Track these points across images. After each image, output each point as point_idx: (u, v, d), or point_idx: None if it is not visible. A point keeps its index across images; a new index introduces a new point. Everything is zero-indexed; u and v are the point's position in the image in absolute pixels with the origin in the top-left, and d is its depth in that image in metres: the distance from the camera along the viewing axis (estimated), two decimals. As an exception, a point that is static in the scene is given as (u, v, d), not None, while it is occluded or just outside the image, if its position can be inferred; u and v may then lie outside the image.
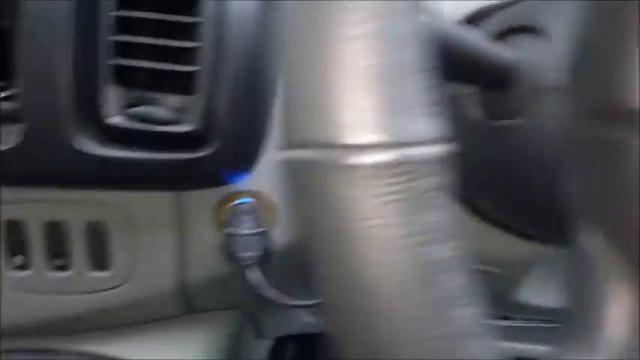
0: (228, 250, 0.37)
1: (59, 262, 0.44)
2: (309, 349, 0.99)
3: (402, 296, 0.18)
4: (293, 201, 0.22)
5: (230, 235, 0.38)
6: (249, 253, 0.36)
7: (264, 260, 0.36)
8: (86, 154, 0.38)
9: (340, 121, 0.18)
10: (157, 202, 0.44)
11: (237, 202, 0.45)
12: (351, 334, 0.20)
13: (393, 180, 0.18)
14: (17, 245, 0.44)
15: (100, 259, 0.45)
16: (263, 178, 0.44)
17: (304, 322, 0.70)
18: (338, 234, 0.19)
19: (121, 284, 0.46)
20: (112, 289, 0.46)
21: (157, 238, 0.45)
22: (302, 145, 0.20)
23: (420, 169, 0.18)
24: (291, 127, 0.20)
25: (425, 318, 0.18)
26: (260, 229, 0.39)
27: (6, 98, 0.41)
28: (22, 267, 0.44)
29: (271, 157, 0.44)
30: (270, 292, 0.35)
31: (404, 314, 0.18)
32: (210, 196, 0.45)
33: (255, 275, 0.35)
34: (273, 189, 0.45)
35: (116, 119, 0.39)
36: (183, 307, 0.50)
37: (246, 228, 0.39)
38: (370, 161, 0.18)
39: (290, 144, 0.21)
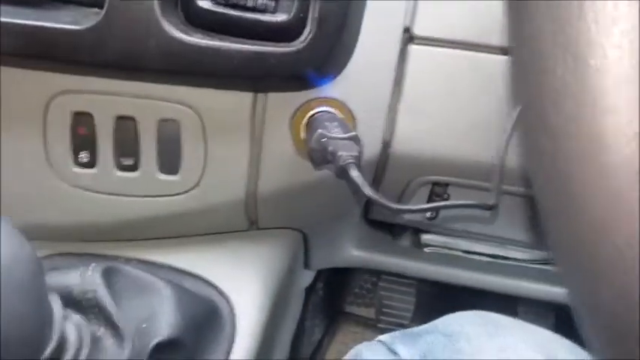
0: (323, 151, 0.35)
1: (127, 161, 0.42)
2: (336, 284, 0.98)
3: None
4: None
5: (324, 137, 0.36)
6: (348, 153, 0.33)
7: (360, 162, 0.34)
8: (169, 39, 0.35)
9: None
10: (233, 106, 0.41)
11: (318, 109, 0.42)
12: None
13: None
14: (84, 140, 0.41)
15: (169, 161, 0.42)
16: (342, 88, 0.41)
17: (352, 255, 0.68)
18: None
19: (189, 190, 0.44)
20: (179, 194, 0.44)
21: (230, 145, 0.42)
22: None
23: None
24: None
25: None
26: (352, 133, 0.36)
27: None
28: (88, 164, 0.42)
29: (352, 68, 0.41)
30: (371, 192, 0.32)
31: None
32: (288, 103, 0.42)
33: (355, 174, 0.32)
34: (352, 99, 0.42)
35: (205, 3, 0.36)
36: (247, 221, 0.48)
37: (335, 133, 0.37)
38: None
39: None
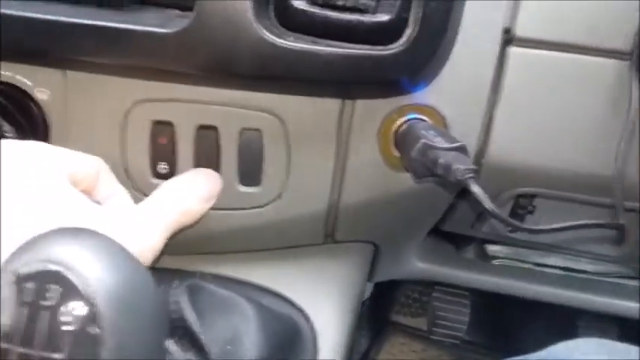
0: (431, 164, 0.32)
1: (207, 172, 0.40)
2: (382, 294, 0.95)
3: None
4: None
5: (430, 148, 0.33)
6: (464, 166, 0.30)
7: (478, 174, 0.31)
8: (263, 42, 0.33)
9: None
10: (320, 114, 0.39)
11: (408, 117, 0.39)
12: None
13: None
14: (162, 150, 0.39)
15: (250, 173, 0.40)
16: (436, 94, 0.39)
17: (416, 267, 0.65)
18: None
19: (270, 203, 0.41)
20: (259, 207, 0.41)
21: (314, 155, 0.40)
22: None
23: None
24: None
25: None
26: (459, 143, 0.33)
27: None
28: (166, 176, 0.40)
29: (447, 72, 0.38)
30: (494, 208, 0.29)
31: None
32: (377, 110, 0.39)
33: (477, 189, 0.30)
34: (445, 106, 0.39)
35: (300, 3, 0.33)
36: (324, 234, 0.46)
37: (438, 143, 0.34)
38: None
39: None
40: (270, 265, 0.45)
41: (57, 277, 0.19)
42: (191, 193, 0.35)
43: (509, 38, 0.38)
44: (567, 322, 0.90)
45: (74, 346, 0.19)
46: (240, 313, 0.38)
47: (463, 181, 0.30)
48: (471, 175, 0.30)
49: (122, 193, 0.37)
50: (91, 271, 0.20)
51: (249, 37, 0.33)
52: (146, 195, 0.40)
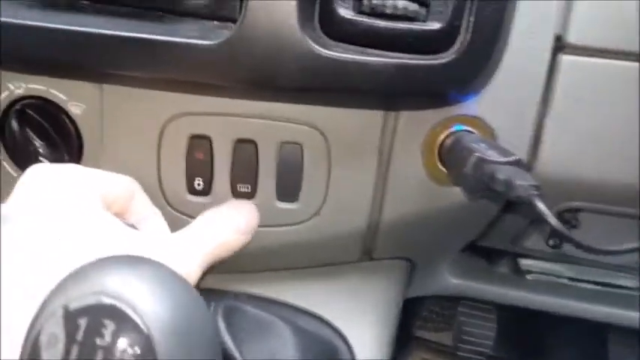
0: (489, 179, 0.30)
1: (243, 188, 0.38)
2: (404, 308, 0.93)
3: None
4: None
5: (486, 162, 0.31)
6: (527, 182, 0.28)
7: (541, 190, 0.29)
8: (309, 53, 0.31)
9: None
10: (362, 126, 0.37)
11: (454, 129, 0.37)
12: None
13: None
14: (198, 166, 0.38)
15: (289, 188, 0.38)
16: (485, 104, 0.37)
17: (451, 283, 0.63)
18: None
19: (308, 219, 0.39)
20: (297, 224, 0.40)
21: (356, 169, 0.38)
22: None
23: None
24: None
25: None
26: (515, 157, 0.31)
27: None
28: (202, 192, 0.38)
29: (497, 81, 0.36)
30: (562, 227, 0.27)
31: None
32: (422, 122, 0.37)
33: (543, 207, 0.28)
34: (494, 116, 0.37)
35: (347, 12, 0.32)
36: (361, 251, 0.44)
37: (490, 157, 0.32)
38: None
39: None
40: (305, 284, 0.43)
41: (112, 312, 0.18)
42: (229, 226, 0.34)
43: (560, 45, 0.37)
44: (596, 337, 0.87)
45: (130, 385, 0.17)
46: (277, 336, 0.36)
47: (526, 198, 0.28)
48: (535, 192, 0.28)
49: (156, 215, 0.35)
50: (148, 304, 0.18)
51: (295, 49, 0.31)
52: (180, 212, 0.39)
